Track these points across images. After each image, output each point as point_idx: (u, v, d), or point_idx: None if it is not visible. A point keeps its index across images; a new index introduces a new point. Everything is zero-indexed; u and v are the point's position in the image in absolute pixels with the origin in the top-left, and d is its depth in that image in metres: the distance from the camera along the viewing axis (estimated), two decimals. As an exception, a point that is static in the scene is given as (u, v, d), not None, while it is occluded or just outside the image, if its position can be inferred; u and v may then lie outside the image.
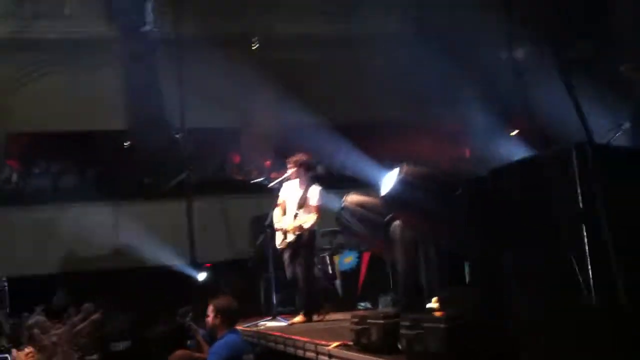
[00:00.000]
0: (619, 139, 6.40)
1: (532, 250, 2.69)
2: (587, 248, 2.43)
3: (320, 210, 7.90)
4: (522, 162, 3.01)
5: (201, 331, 7.57)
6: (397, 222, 6.23)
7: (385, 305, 8.05)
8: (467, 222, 3.17)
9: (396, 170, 4.48)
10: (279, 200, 8.17)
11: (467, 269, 6.03)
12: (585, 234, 2.46)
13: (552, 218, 2.59)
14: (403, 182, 4.33)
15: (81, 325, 8.63)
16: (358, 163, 11.93)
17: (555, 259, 2.59)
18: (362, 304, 9.11)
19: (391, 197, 4.49)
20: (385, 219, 6.30)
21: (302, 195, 7.94)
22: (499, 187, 2.84)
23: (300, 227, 7.83)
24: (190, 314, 8.06)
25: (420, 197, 3.93)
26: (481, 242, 3.08)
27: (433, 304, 5.93)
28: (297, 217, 7.88)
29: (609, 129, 6.81)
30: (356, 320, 4.89)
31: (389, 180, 4.57)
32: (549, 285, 2.74)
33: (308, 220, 7.84)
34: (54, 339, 7.66)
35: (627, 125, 6.44)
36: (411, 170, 4.35)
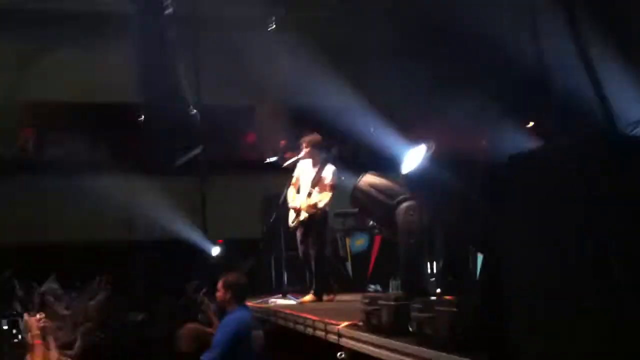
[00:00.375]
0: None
1: (544, 244, 2.66)
2: (599, 246, 2.40)
3: (334, 189, 7.91)
4: (542, 151, 2.96)
5: (213, 306, 7.62)
6: (402, 207, 6.23)
7: (395, 288, 8.07)
8: (483, 210, 3.13)
9: (422, 147, 4.33)
10: (293, 179, 8.19)
11: (471, 258, 6.05)
12: (599, 230, 2.42)
13: (568, 212, 2.55)
14: (431, 160, 4.17)
15: (92, 302, 8.69)
16: (378, 141, 11.88)
17: (566, 254, 2.56)
18: (372, 286, 9.14)
19: (416, 175, 4.34)
20: (394, 202, 6.31)
21: (316, 175, 7.95)
22: (517, 175, 2.79)
23: (315, 206, 7.85)
24: (205, 289, 8.11)
25: (447, 177, 3.80)
26: (494, 230, 3.05)
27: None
28: (310, 196, 7.89)
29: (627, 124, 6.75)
30: (367, 301, 4.90)
31: (413, 157, 4.42)
32: (556, 284, 2.71)
33: (322, 198, 7.86)
34: (65, 310, 7.75)
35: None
36: (440, 149, 4.20)
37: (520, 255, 2.91)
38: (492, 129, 14.39)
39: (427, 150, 4.24)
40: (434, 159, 4.10)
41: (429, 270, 6.28)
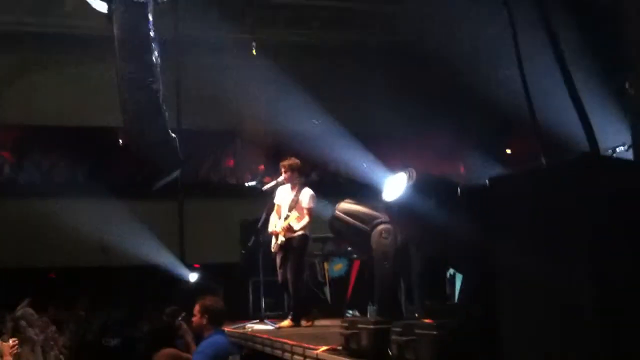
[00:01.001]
0: (622, 154, 6.43)
1: (530, 262, 2.68)
2: (589, 262, 2.42)
3: (312, 213, 7.90)
4: (524, 172, 3.00)
5: (191, 332, 7.53)
6: (376, 230, 6.25)
7: (374, 314, 8.02)
8: (466, 232, 3.14)
9: (403, 175, 4.29)
10: (275, 206, 8.17)
11: (448, 281, 6.06)
12: (588, 247, 2.44)
13: (553, 230, 2.58)
14: (415, 189, 4.12)
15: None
16: (354, 168, 11.94)
17: (555, 272, 2.57)
18: (351, 311, 9.09)
19: (399, 205, 4.30)
20: (368, 227, 6.33)
21: (294, 198, 7.95)
22: (498, 196, 2.82)
23: (290, 228, 7.83)
24: (184, 314, 8.02)
25: (432, 205, 3.78)
26: (477, 252, 3.06)
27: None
28: (287, 219, 7.89)
29: (616, 145, 6.85)
30: (346, 325, 4.87)
31: (393, 186, 4.39)
32: (546, 299, 2.72)
33: (298, 222, 7.85)
34: (37, 335, 7.60)
35: (626, 145, 6.48)
36: (423, 176, 4.16)
37: (506, 274, 2.92)
38: (469, 155, 14.56)
39: (408, 179, 4.21)
40: (415, 187, 4.08)
41: (404, 294, 6.30)
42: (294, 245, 7.84)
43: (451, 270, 6.07)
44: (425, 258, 5.82)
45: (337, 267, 9.89)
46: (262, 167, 14.49)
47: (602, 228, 2.38)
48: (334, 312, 9.08)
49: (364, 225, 6.53)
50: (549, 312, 2.63)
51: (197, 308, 6.38)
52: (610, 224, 2.39)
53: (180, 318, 8.10)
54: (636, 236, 2.37)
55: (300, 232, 7.85)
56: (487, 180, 2.97)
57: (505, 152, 14.18)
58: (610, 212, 2.39)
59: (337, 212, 6.28)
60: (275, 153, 12.66)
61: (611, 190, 2.39)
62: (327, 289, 9.86)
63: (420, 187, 4.04)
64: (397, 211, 4.42)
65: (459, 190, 3.20)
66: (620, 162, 3.07)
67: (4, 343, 5.83)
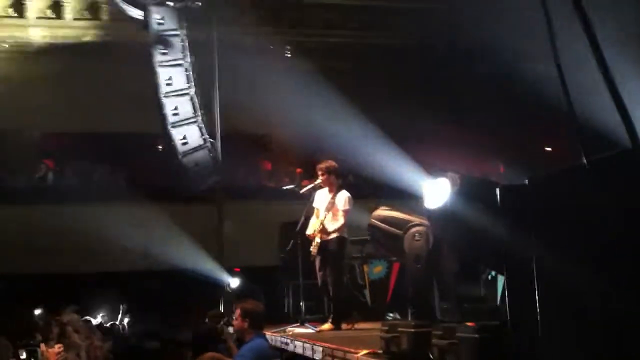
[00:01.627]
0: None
1: (569, 263, 2.62)
2: (631, 265, 2.35)
3: (347, 215, 7.86)
4: (562, 171, 2.93)
5: (234, 336, 7.55)
6: (409, 233, 6.20)
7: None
8: (505, 232, 3.08)
9: (444, 181, 4.17)
10: (314, 209, 8.15)
11: (482, 284, 5.97)
12: (625, 250, 2.37)
13: (593, 231, 2.51)
14: (459, 195, 4.00)
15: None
16: (392, 170, 11.87)
17: (595, 274, 2.51)
18: (391, 314, 9.01)
19: (443, 212, 4.18)
20: (402, 231, 6.30)
21: (330, 200, 7.92)
22: (538, 196, 2.76)
23: (324, 229, 7.80)
24: (226, 318, 8.06)
25: (476, 210, 3.67)
26: (517, 253, 3.00)
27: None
28: (323, 221, 7.87)
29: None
30: (386, 328, 4.82)
31: (435, 192, 4.27)
32: (586, 303, 2.65)
33: (332, 224, 7.82)
34: (82, 338, 7.73)
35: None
36: (466, 181, 4.05)
37: (545, 275, 2.86)
38: (509, 154, 14.38)
39: (452, 186, 4.09)
40: (459, 193, 3.96)
41: (437, 294, 6.24)
42: (330, 247, 7.81)
43: (493, 272, 6.00)
44: (461, 260, 5.77)
45: (377, 269, 9.83)
46: (299, 170, 14.51)
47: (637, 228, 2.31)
48: (374, 315, 9.01)
49: (397, 230, 6.52)
50: (589, 315, 2.57)
51: (237, 312, 6.38)
52: None
53: (222, 322, 8.14)
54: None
55: (335, 234, 7.81)
56: (526, 180, 2.91)
57: (545, 149, 13.97)
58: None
59: (372, 219, 6.27)
60: (312, 156, 12.65)
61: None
62: (367, 292, 9.80)
63: (464, 192, 3.94)
64: (441, 218, 4.30)
65: (497, 191, 3.14)
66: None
67: (49, 349, 5.91)
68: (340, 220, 7.84)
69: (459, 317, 5.44)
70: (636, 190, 2.30)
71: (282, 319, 9.21)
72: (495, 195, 3.10)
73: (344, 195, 7.94)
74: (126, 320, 12.26)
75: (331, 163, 8.25)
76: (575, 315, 2.70)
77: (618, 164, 2.42)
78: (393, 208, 7.25)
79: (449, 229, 4.46)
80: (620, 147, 2.39)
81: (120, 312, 10.90)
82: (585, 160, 2.47)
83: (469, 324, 3.93)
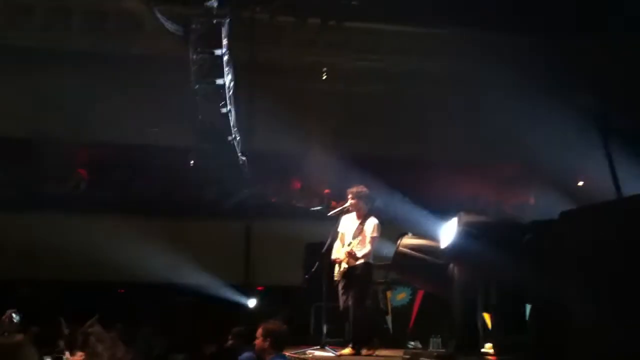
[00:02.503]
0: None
1: (601, 300, 2.61)
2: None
3: (375, 242, 7.86)
4: (593, 208, 2.93)
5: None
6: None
7: (435, 346, 7.91)
8: (535, 266, 3.09)
9: (454, 220, 4.34)
10: (339, 234, 8.16)
11: (528, 316, 5.91)
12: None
13: (624, 265, 2.51)
14: (463, 234, 4.17)
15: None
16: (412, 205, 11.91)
17: (623, 312, 2.50)
18: (412, 342, 8.96)
19: (452, 250, 4.34)
20: (442, 261, 6.25)
21: (359, 226, 7.93)
22: (570, 231, 2.77)
23: (352, 255, 7.79)
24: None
25: (481, 247, 3.80)
26: (548, 287, 3.00)
27: (487, 349, 5.83)
28: (350, 245, 7.87)
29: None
30: (407, 356, 4.83)
31: (448, 231, 4.44)
32: (616, 341, 2.64)
33: (360, 250, 7.81)
34: (105, 349, 7.79)
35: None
36: (470, 220, 4.20)
37: (576, 309, 2.86)
38: (540, 186, 14.26)
39: (458, 224, 4.24)
40: (464, 231, 4.09)
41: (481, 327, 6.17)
42: (357, 273, 7.81)
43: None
44: (500, 292, 5.73)
45: (400, 296, 9.79)
46: (327, 190, 14.54)
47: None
48: (396, 342, 8.98)
49: (435, 259, 6.47)
50: (614, 348, 2.56)
51: (259, 331, 6.39)
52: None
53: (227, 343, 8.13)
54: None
55: (362, 261, 7.82)
56: (558, 215, 2.92)
57: (577, 184, 13.83)
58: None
59: (402, 247, 6.22)
60: (340, 178, 12.68)
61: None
62: (389, 318, 9.75)
63: (469, 230, 4.04)
64: (451, 255, 4.43)
65: (521, 226, 3.17)
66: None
67: (72, 357, 5.99)
68: (368, 247, 7.85)
69: (499, 349, 5.40)
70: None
71: (304, 341, 9.20)
72: (508, 230, 3.13)
73: (373, 222, 7.94)
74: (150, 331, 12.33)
75: (362, 188, 8.25)
76: (599, 347, 2.69)
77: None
78: (421, 236, 7.24)
79: (459, 264, 4.54)
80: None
81: (145, 323, 10.93)
82: (615, 198, 2.48)
83: (490, 357, 3.92)
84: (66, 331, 7.75)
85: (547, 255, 2.93)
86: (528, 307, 5.67)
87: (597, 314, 2.66)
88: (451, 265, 5.46)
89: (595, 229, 2.68)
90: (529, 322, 5.24)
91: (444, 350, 7.07)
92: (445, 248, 4.43)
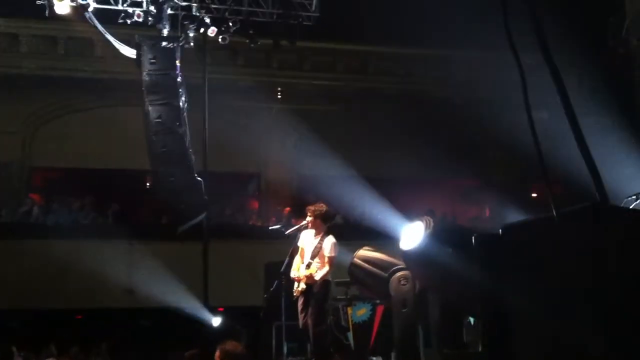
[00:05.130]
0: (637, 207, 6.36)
1: (542, 310, 2.67)
2: (598, 312, 2.41)
3: (333, 261, 7.88)
4: (536, 220, 3.01)
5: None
6: (395, 277, 6.23)
7: (396, 360, 7.93)
8: (480, 279, 3.15)
9: (420, 224, 4.32)
10: (299, 249, 8.17)
11: (465, 330, 5.98)
12: (596, 296, 2.44)
13: (565, 279, 2.58)
14: (432, 238, 4.16)
15: None
16: (376, 214, 11.95)
17: (567, 321, 2.56)
18: (374, 358, 8.97)
19: (417, 254, 4.32)
20: (387, 274, 6.32)
21: (317, 245, 7.94)
22: (511, 244, 2.84)
23: (311, 277, 7.82)
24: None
25: (449, 253, 3.81)
26: (491, 299, 3.06)
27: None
28: (309, 267, 7.88)
29: (627, 197, 6.79)
30: (366, 372, 4.84)
31: (411, 235, 4.42)
32: (560, 349, 2.70)
33: (319, 270, 7.83)
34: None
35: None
36: (440, 225, 4.20)
37: (518, 323, 2.90)
38: (495, 199, 14.48)
39: (426, 228, 4.24)
40: (432, 236, 4.10)
41: (422, 340, 6.24)
42: (314, 291, 7.82)
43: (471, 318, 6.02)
44: (442, 305, 5.79)
45: (361, 312, 9.79)
46: (287, 209, 14.54)
47: (605, 278, 2.38)
48: (357, 358, 8.98)
49: (381, 272, 6.53)
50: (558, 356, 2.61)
51: (217, 354, 6.32)
52: (615, 274, 2.39)
53: None
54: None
55: (320, 280, 7.83)
56: (501, 228, 2.98)
57: (531, 195, 14.09)
58: (615, 262, 2.39)
59: (355, 259, 6.29)
60: (300, 196, 12.71)
61: (618, 240, 2.39)
62: (350, 335, 9.75)
63: (437, 235, 4.07)
64: (414, 259, 4.43)
65: (473, 238, 3.22)
66: (631, 212, 3.06)
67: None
68: (326, 268, 7.86)
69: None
70: (598, 241, 2.37)
71: (265, 360, 9.16)
72: (466, 240, 3.17)
73: (330, 242, 7.95)
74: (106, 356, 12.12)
75: (321, 206, 8.28)
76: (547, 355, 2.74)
77: (583, 215, 2.50)
78: (376, 249, 7.30)
79: (421, 270, 4.56)
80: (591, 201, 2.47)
81: (102, 347, 10.76)
82: (555, 212, 2.54)
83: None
84: (19, 358, 7.59)
85: (492, 267, 2.99)
86: (468, 321, 5.76)
87: (540, 327, 2.72)
88: (391, 280, 5.50)
89: (536, 243, 2.75)
90: (468, 335, 5.32)
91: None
92: (408, 250, 4.41)
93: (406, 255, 4.65)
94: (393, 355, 8.30)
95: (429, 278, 4.69)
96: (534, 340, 2.76)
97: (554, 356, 2.71)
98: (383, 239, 7.77)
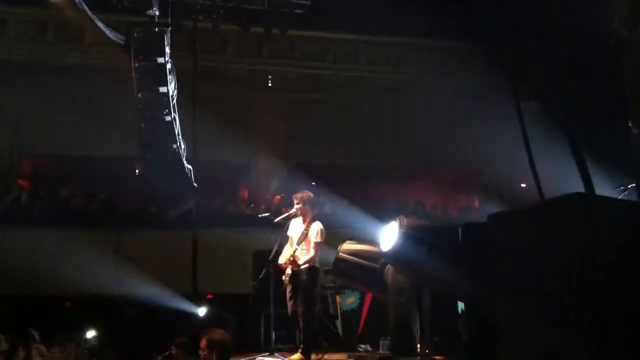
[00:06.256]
0: (625, 198, 6.38)
1: (526, 296, 2.69)
2: (581, 297, 2.42)
3: (318, 247, 7.89)
4: (521, 210, 3.02)
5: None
6: (389, 267, 6.25)
7: (385, 348, 7.97)
8: (465, 268, 3.16)
9: (395, 224, 4.40)
10: (289, 238, 8.19)
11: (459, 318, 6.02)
12: (579, 282, 2.45)
13: (549, 265, 2.59)
14: (405, 237, 4.24)
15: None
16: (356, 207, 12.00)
17: (549, 305, 2.58)
18: (362, 345, 9.02)
19: (394, 253, 4.40)
20: (379, 264, 6.34)
21: (304, 231, 7.96)
22: (498, 233, 2.85)
23: (294, 261, 7.82)
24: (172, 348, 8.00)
25: (421, 250, 3.88)
26: (477, 287, 3.07)
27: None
28: (295, 252, 7.90)
29: (615, 187, 6.82)
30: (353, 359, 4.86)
31: (388, 235, 4.49)
32: (542, 333, 2.72)
33: (303, 255, 7.84)
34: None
35: (631, 186, 6.45)
36: (411, 224, 4.27)
37: (504, 310, 2.92)
38: (484, 189, 14.54)
39: (400, 227, 4.32)
40: (406, 235, 4.17)
41: (418, 328, 6.26)
42: (301, 278, 7.82)
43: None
44: (434, 294, 5.83)
45: (350, 300, 9.83)
46: (278, 198, 14.53)
47: (588, 263, 2.39)
48: (346, 345, 9.02)
49: (372, 264, 6.54)
50: (543, 347, 2.63)
51: (203, 342, 6.27)
52: (596, 259, 2.41)
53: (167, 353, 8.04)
54: (624, 271, 2.38)
55: (306, 265, 7.84)
56: (487, 217, 2.99)
57: (520, 185, 14.11)
58: (597, 248, 2.40)
59: (341, 253, 6.30)
60: (290, 185, 12.69)
61: (601, 227, 2.41)
62: (338, 322, 9.79)
63: (411, 235, 4.12)
64: (393, 260, 4.50)
65: (459, 230, 3.24)
66: (614, 201, 3.08)
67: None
68: (312, 252, 7.87)
69: (431, 350, 5.48)
70: (582, 229, 2.38)
71: (254, 348, 9.17)
72: (447, 235, 3.20)
73: (317, 227, 7.97)
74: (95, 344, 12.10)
75: (307, 193, 8.30)
76: (530, 344, 2.76)
77: (567, 204, 2.50)
78: (360, 242, 7.33)
79: (402, 269, 4.61)
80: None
81: (88, 336, 10.74)
82: (540, 200, 2.55)
83: (437, 357, 3.98)
84: (5, 346, 7.57)
85: (477, 257, 3.01)
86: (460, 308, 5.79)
87: (524, 314, 2.74)
88: (386, 269, 5.52)
89: (521, 231, 2.76)
90: (460, 323, 5.35)
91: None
92: (387, 251, 4.49)
93: (386, 256, 4.73)
94: (381, 343, 8.34)
95: (409, 276, 4.75)
96: (518, 341, 2.77)
97: (534, 344, 2.72)
98: (368, 229, 7.77)
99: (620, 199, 5.11)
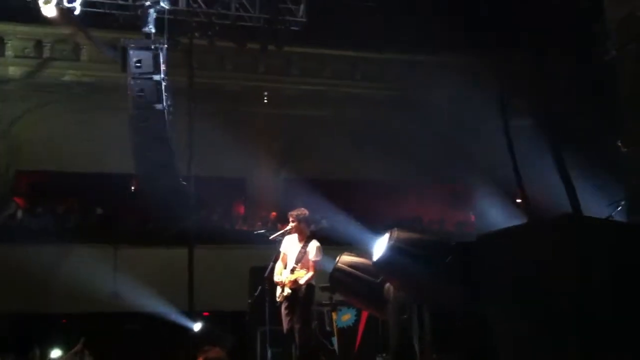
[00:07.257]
0: (616, 215, 6.40)
1: (517, 314, 2.70)
2: (572, 315, 2.44)
3: (317, 266, 7.90)
4: (509, 230, 3.05)
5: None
6: (389, 285, 6.24)
7: (381, 365, 7.95)
8: (456, 286, 3.18)
9: (386, 236, 4.48)
10: (281, 254, 8.18)
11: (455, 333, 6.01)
12: (571, 302, 2.47)
13: (539, 285, 2.61)
14: (393, 249, 4.33)
15: None
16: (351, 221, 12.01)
17: (541, 324, 2.59)
18: (359, 362, 8.99)
19: (382, 263, 4.48)
20: (379, 280, 6.33)
21: (301, 250, 7.97)
22: (487, 252, 2.87)
23: (296, 282, 7.84)
24: None
25: (409, 263, 3.94)
26: (469, 305, 3.09)
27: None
28: (294, 271, 7.90)
29: (607, 205, 6.84)
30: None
31: (379, 246, 4.58)
32: (538, 352, 2.73)
33: (304, 275, 7.85)
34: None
35: (622, 202, 6.46)
36: (401, 236, 4.35)
37: (499, 326, 2.94)
38: (480, 204, 14.54)
39: (389, 240, 4.40)
40: (394, 247, 4.25)
41: (418, 345, 6.25)
42: (299, 295, 7.83)
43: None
44: (432, 310, 5.82)
45: (346, 317, 9.81)
46: (274, 214, 14.53)
47: (573, 283, 2.41)
48: (342, 363, 9.00)
49: (371, 278, 6.53)
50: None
51: (200, 362, 6.29)
52: (583, 279, 2.43)
53: None
54: (615, 290, 2.40)
55: (305, 284, 7.85)
56: (476, 237, 3.02)
57: (516, 202, 14.14)
58: (583, 269, 2.42)
59: (340, 264, 6.29)
60: (286, 201, 12.71)
61: (588, 247, 2.43)
62: (335, 340, 9.76)
63: (398, 245, 4.19)
64: (381, 270, 4.58)
65: (447, 247, 3.27)
66: (601, 222, 3.11)
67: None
68: (311, 272, 7.89)
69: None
70: (569, 250, 2.40)
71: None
72: (439, 250, 3.22)
73: (314, 245, 7.99)
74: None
75: (303, 211, 8.33)
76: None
77: (554, 226, 2.53)
78: (359, 255, 7.31)
79: (390, 279, 4.66)
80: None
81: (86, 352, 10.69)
82: (528, 221, 2.57)
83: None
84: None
85: (468, 274, 3.03)
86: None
87: (516, 331, 2.75)
88: (387, 285, 5.53)
89: (510, 251, 2.79)
90: (456, 339, 5.35)
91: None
92: (376, 261, 4.56)
93: (374, 265, 4.80)
94: (377, 359, 8.32)
95: (397, 287, 4.81)
96: (510, 348, 2.79)
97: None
98: (365, 244, 7.78)
99: (607, 220, 5.13)
